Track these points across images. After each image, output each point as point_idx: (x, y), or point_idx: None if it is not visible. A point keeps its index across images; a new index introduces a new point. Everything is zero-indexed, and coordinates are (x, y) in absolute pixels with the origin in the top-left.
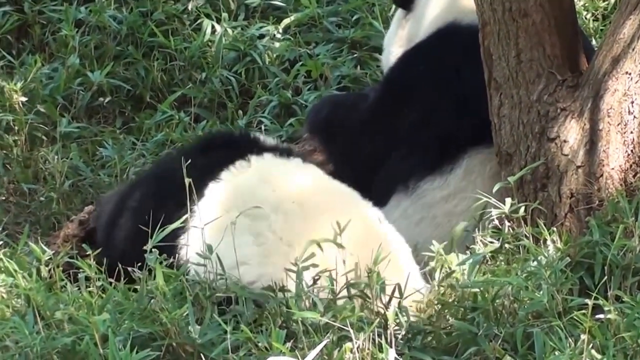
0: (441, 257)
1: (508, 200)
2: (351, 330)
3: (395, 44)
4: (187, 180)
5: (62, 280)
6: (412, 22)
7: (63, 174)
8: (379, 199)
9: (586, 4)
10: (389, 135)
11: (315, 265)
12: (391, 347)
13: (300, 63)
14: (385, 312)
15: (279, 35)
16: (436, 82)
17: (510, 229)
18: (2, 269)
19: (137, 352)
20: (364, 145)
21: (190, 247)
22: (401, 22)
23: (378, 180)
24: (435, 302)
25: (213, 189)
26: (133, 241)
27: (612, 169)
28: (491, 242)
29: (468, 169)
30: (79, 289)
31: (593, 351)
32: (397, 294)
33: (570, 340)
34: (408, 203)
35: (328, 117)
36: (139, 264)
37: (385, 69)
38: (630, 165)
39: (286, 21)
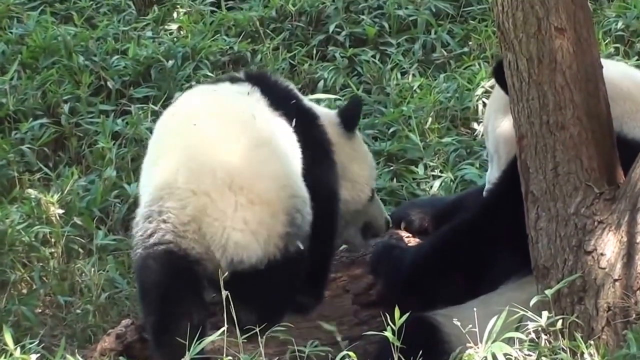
0: None
1: (545, 314)
2: None
3: (505, 140)
4: None
5: None
6: None
7: (99, 287)
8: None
9: None
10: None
11: None
12: None
13: None
14: None
15: None
16: None
17: (547, 342)
18: None
19: None
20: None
21: None
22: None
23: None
24: None
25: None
26: None
27: None
28: (528, 355)
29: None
30: None
31: None
32: None
33: None
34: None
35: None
36: None
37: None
38: None
39: None
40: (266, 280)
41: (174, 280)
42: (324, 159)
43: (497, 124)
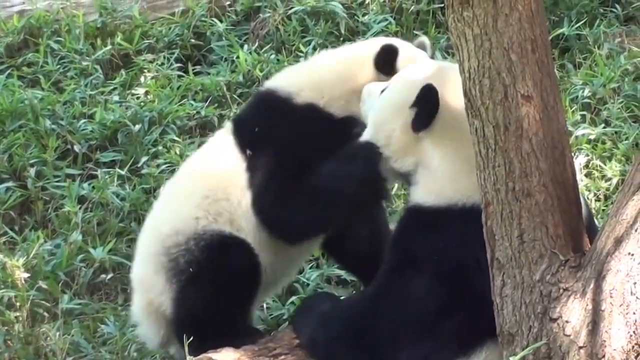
0: None
1: None
2: None
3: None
4: None
5: None
6: (427, 144)
7: (64, 351)
8: None
9: (588, 184)
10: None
11: None
12: None
13: None
14: None
15: None
16: (458, 270)
17: None
18: None
19: None
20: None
21: None
22: (406, 124)
23: None
24: None
25: None
26: None
27: (614, 350)
28: None
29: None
30: None
31: None
32: None
33: None
34: None
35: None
36: None
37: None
38: (633, 347)
39: None
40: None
41: None
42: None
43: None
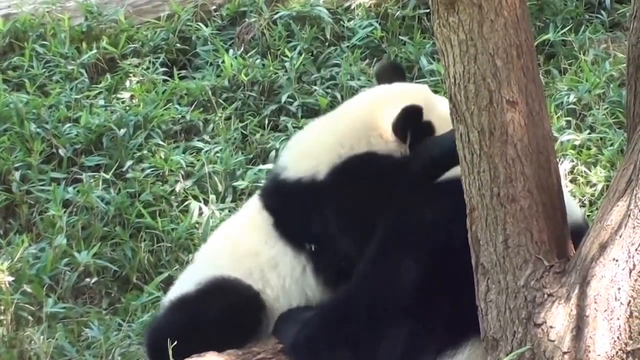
0: None
1: None
2: None
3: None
4: None
5: None
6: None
7: (48, 355)
8: None
9: (573, 190)
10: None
11: None
12: None
13: None
14: None
15: None
16: (448, 243)
17: None
18: None
19: None
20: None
21: None
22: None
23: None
24: None
25: None
26: None
27: (599, 355)
28: None
29: (471, 356)
30: None
31: None
32: None
33: None
34: None
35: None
36: None
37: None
38: (617, 352)
39: None
40: None
41: None
42: None
43: None
